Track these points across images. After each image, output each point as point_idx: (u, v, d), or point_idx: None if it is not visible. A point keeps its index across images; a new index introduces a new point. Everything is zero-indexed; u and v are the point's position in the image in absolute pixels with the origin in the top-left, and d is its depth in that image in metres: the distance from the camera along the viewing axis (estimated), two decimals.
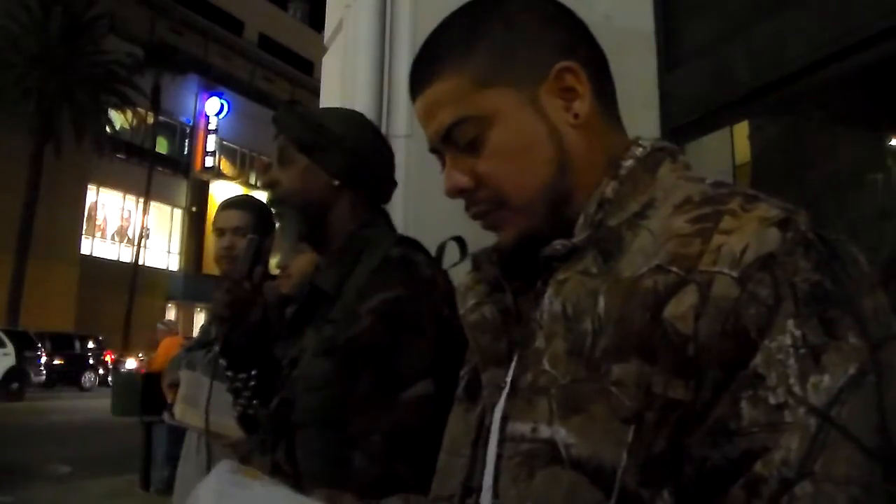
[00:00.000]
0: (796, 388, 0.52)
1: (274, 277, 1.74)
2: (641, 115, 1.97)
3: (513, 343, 0.70)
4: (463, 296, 0.78)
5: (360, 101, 2.12)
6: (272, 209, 1.38)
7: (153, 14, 25.45)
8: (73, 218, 22.04)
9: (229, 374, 1.35)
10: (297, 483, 1.07)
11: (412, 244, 1.30)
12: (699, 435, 0.55)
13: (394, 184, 1.41)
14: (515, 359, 0.69)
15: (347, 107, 1.93)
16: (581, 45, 0.72)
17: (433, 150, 0.75)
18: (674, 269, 0.58)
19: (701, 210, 0.61)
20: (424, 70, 0.72)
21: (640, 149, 0.70)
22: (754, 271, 0.55)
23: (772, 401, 0.53)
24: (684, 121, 1.94)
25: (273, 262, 1.64)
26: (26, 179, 18.99)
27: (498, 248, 0.76)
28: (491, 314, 0.73)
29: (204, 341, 2.29)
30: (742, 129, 2.14)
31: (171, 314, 24.32)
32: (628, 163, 0.69)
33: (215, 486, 0.49)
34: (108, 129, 21.45)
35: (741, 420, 0.53)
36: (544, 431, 0.61)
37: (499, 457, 0.65)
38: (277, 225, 1.38)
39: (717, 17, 1.91)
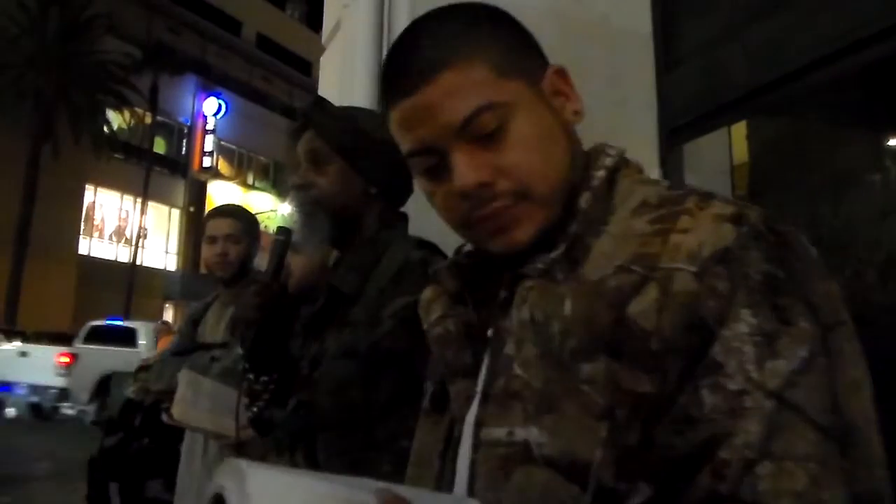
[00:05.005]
0: (754, 374, 0.54)
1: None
2: (639, 116, 1.97)
3: (478, 354, 0.71)
4: (426, 309, 0.79)
5: (358, 102, 2.12)
6: (299, 209, 1.33)
7: (151, 14, 25.40)
8: (71, 218, 22.00)
9: (250, 376, 1.32)
10: None
11: (431, 247, 1.28)
12: (664, 424, 0.56)
13: (412, 190, 1.38)
14: (485, 367, 0.69)
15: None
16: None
17: (421, 152, 0.69)
18: (636, 268, 0.60)
19: (659, 211, 0.63)
20: (426, 62, 0.66)
21: (609, 158, 0.71)
22: (712, 265, 0.57)
23: (731, 387, 0.54)
24: (682, 121, 1.94)
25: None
26: (24, 179, 18.95)
27: (457, 262, 0.77)
28: (455, 327, 0.74)
29: (190, 347, 2.27)
30: (740, 130, 2.14)
31: (168, 314, 24.29)
32: (600, 173, 0.70)
33: (234, 470, 0.48)
34: (105, 129, 21.40)
35: (703, 407, 0.55)
36: (520, 434, 0.62)
37: (473, 462, 0.66)
38: (300, 226, 1.34)
39: (714, 18, 1.91)
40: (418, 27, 0.70)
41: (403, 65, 0.68)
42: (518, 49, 0.70)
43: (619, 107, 1.79)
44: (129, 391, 6.69)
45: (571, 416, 0.59)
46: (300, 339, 1.35)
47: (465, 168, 0.66)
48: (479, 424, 0.66)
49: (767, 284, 0.56)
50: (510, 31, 0.71)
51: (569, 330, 0.62)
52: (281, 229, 1.34)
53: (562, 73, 0.72)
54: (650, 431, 0.57)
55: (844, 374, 0.56)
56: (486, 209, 0.67)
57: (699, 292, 0.56)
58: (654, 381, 0.57)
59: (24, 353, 12.20)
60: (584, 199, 0.68)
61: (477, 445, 0.66)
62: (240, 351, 1.37)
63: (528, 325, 0.66)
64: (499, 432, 0.64)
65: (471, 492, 0.65)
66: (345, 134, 1.28)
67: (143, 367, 6.43)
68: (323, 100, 1.35)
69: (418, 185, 0.74)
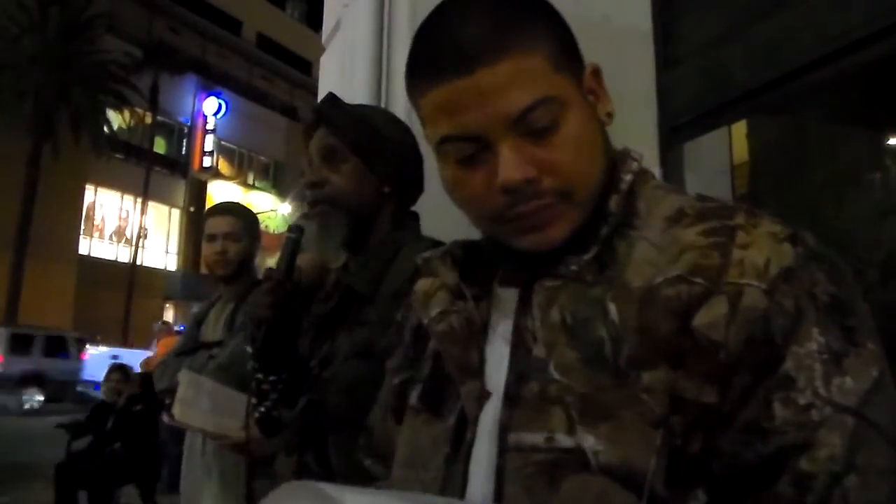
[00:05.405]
0: (821, 390, 0.56)
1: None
2: (639, 115, 1.97)
3: (482, 353, 0.69)
4: (424, 303, 0.75)
5: (359, 101, 2.12)
6: (312, 207, 1.31)
7: (151, 14, 25.41)
8: (71, 218, 22.00)
9: (259, 376, 1.30)
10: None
11: None
12: (729, 434, 0.57)
13: (422, 190, 1.37)
14: (505, 367, 0.67)
15: None
16: None
17: (462, 139, 0.64)
18: (698, 280, 0.60)
19: (707, 223, 0.63)
20: (485, 44, 0.62)
21: (635, 163, 0.71)
22: (780, 283, 0.58)
23: (801, 401, 0.56)
24: (682, 120, 1.94)
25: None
26: (24, 179, 18.95)
27: (451, 253, 0.76)
28: (458, 324, 0.71)
29: (192, 346, 2.27)
30: (740, 129, 2.14)
31: (168, 314, 24.29)
32: (628, 177, 0.70)
33: (318, 495, 0.46)
34: (105, 129, 21.38)
35: (774, 419, 0.56)
36: (564, 441, 0.60)
37: (500, 467, 0.63)
38: (313, 225, 1.31)
39: (715, 16, 1.91)
40: (469, 3, 0.65)
41: (454, 42, 0.63)
42: (569, 43, 0.68)
43: (618, 105, 1.78)
44: (100, 392, 6.56)
45: (629, 424, 0.59)
46: (308, 339, 1.34)
47: (513, 162, 0.63)
48: (504, 428, 0.64)
49: (834, 306, 0.59)
50: (562, 24, 0.69)
51: (621, 337, 0.61)
52: (293, 227, 1.32)
53: (597, 72, 0.70)
54: (712, 441, 0.58)
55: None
56: (528, 206, 0.64)
57: (769, 309, 0.58)
58: (719, 392, 0.58)
59: (115, 357, 13.83)
60: (614, 202, 0.68)
61: (503, 450, 0.63)
62: (242, 347, 1.36)
63: (560, 328, 0.65)
64: (533, 437, 0.62)
65: (498, 497, 0.63)
66: (360, 132, 1.27)
67: (116, 368, 6.40)
68: (337, 97, 1.34)
69: (443, 172, 0.68)
